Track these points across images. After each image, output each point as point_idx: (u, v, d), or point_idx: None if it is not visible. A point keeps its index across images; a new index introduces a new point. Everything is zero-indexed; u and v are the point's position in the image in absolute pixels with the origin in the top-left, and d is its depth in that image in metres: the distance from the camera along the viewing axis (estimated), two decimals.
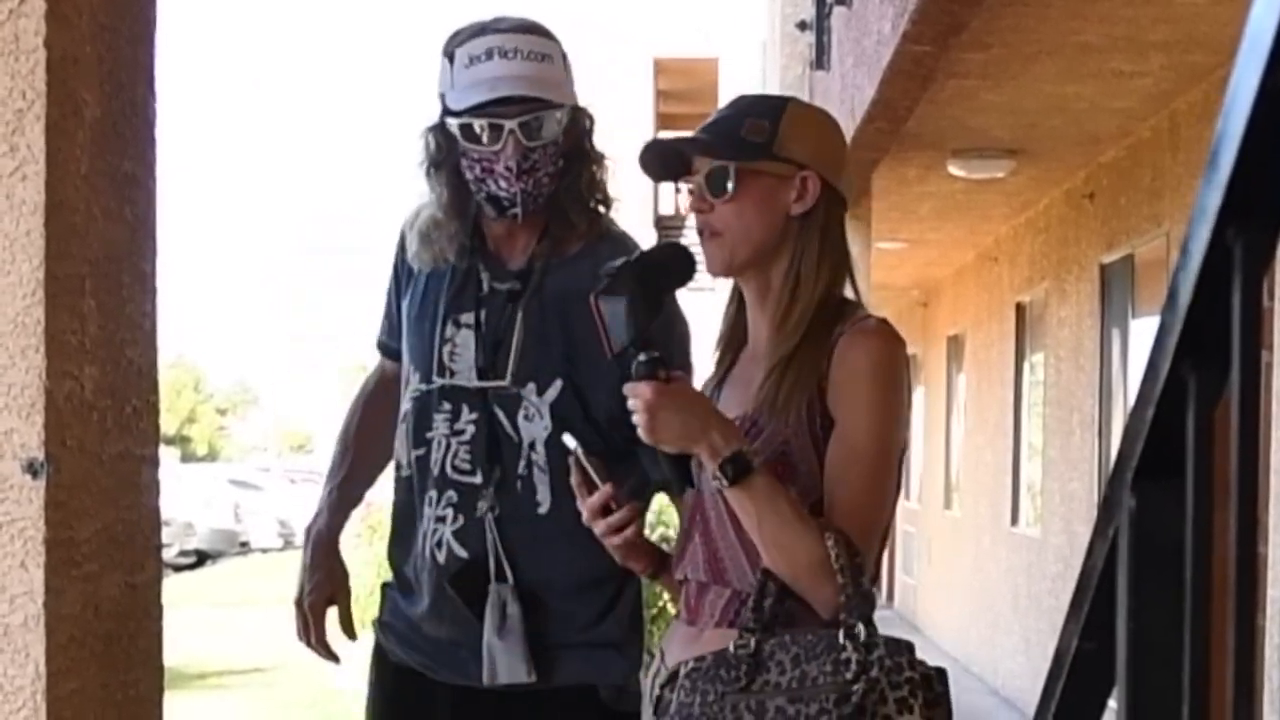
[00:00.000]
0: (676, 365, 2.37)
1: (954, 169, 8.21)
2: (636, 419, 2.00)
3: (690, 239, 2.21)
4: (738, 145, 2.12)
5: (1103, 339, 8.10)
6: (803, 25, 10.63)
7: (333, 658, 2.75)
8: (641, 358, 2.01)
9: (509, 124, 2.47)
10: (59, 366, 1.64)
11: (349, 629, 2.75)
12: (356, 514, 2.92)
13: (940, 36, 5.60)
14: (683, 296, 2.47)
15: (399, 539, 2.68)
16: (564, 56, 2.55)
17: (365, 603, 3.31)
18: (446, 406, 2.57)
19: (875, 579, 2.05)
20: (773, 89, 11.78)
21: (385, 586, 2.76)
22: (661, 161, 2.20)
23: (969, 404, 12.37)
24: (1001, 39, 5.81)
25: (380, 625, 2.71)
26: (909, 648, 1.91)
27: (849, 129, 7.46)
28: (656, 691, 2.11)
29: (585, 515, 2.16)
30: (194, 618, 14.05)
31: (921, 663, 1.92)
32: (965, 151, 7.96)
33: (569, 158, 2.55)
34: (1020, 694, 9.48)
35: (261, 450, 62.01)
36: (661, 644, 2.19)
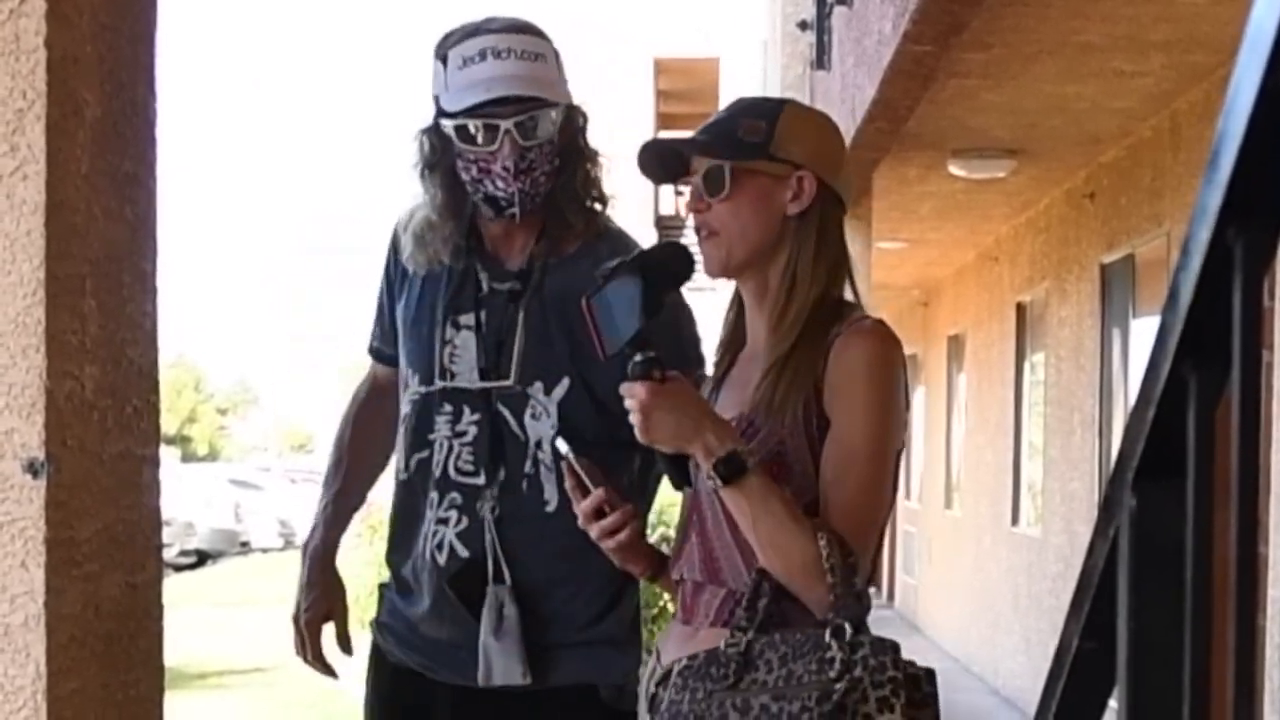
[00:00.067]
0: (690, 364, 2.37)
1: (954, 169, 8.21)
2: (632, 419, 2.01)
3: (690, 239, 2.21)
4: (734, 145, 2.13)
5: (1103, 339, 8.10)
6: (803, 25, 10.63)
7: (330, 673, 2.75)
8: (638, 358, 2.01)
9: (505, 124, 2.47)
10: (59, 366, 1.64)
11: (345, 645, 2.76)
12: (357, 514, 2.92)
13: (941, 36, 5.60)
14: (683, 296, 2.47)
15: (399, 541, 2.68)
16: (556, 55, 2.55)
17: (365, 603, 3.31)
18: (448, 408, 2.57)
19: (871, 579, 2.06)
20: (773, 89, 11.79)
21: (382, 588, 2.76)
22: (660, 163, 2.21)
23: (969, 404, 12.37)
24: (1002, 39, 5.81)
25: (378, 626, 2.71)
26: (894, 647, 1.91)
27: (849, 129, 7.46)
28: (651, 690, 2.12)
29: (580, 519, 2.17)
30: (194, 618, 14.05)
31: (910, 663, 1.93)
32: (966, 151, 7.96)
33: (564, 156, 2.55)
34: (1021, 694, 9.48)
35: (262, 450, 62.00)
36: (658, 643, 2.20)
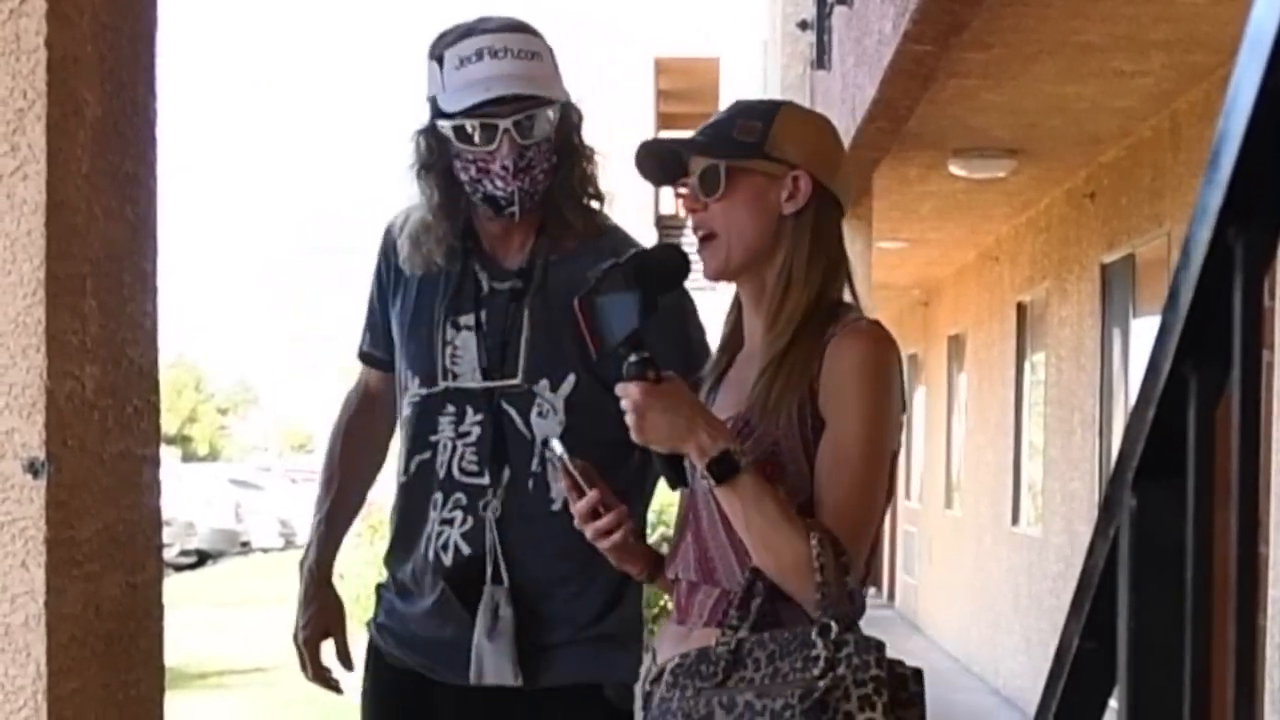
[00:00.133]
0: (699, 364, 2.37)
1: (955, 168, 8.21)
2: (627, 419, 2.02)
3: (690, 240, 2.22)
4: (729, 145, 2.14)
5: (1104, 338, 8.10)
6: (804, 25, 10.63)
7: (334, 689, 2.75)
8: (632, 358, 2.02)
9: (503, 123, 2.47)
10: (60, 366, 1.64)
11: (346, 660, 2.75)
12: (358, 514, 2.92)
13: (941, 36, 5.60)
14: None
15: (400, 543, 2.67)
16: (551, 53, 2.56)
17: (366, 603, 3.31)
18: (451, 409, 2.57)
19: (866, 580, 2.07)
20: (774, 89, 11.79)
21: (380, 588, 2.75)
22: (659, 164, 2.23)
23: (970, 403, 12.37)
24: (1002, 39, 5.81)
25: (377, 627, 2.71)
26: (878, 646, 1.92)
27: (850, 128, 7.46)
28: (646, 688, 2.13)
29: (576, 520, 2.18)
30: (195, 617, 14.05)
31: (899, 662, 1.94)
32: (966, 151, 7.96)
33: (561, 154, 2.56)
34: (1021, 693, 9.48)
35: (262, 450, 62.00)
36: (654, 643, 2.21)
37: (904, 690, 1.93)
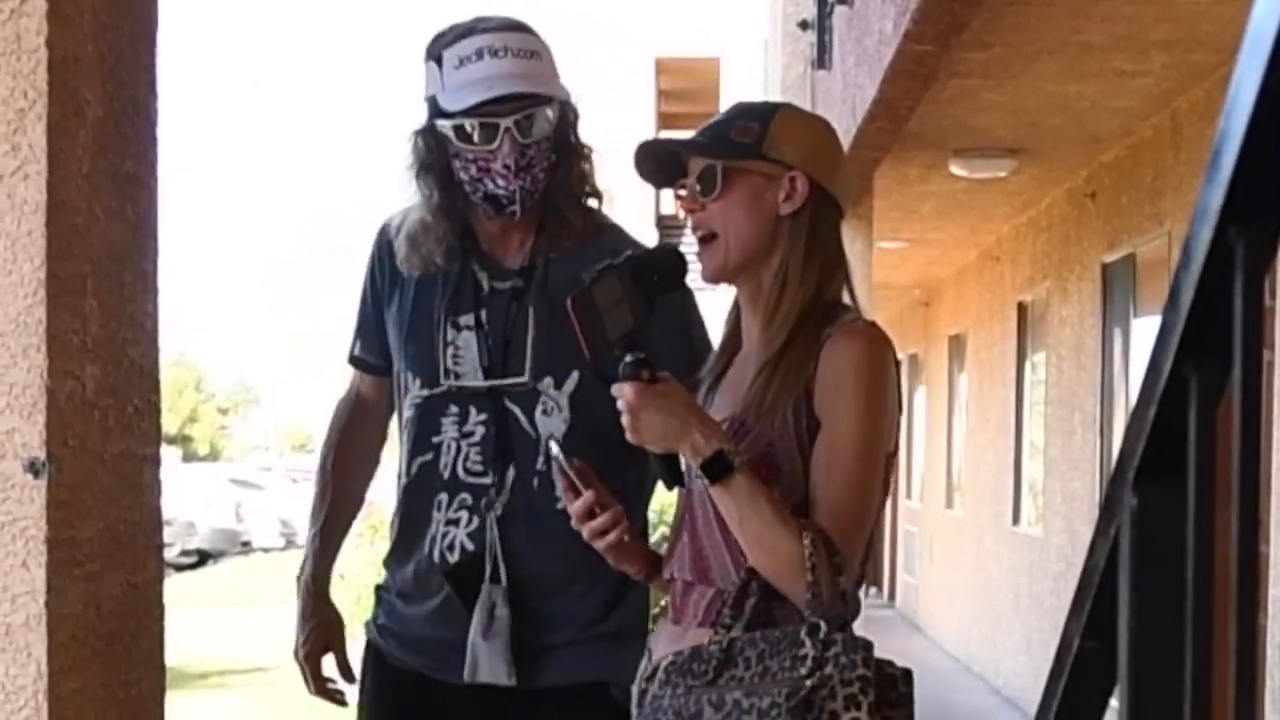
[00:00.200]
0: (701, 364, 2.37)
1: (955, 168, 8.21)
2: (622, 419, 2.03)
3: (690, 240, 2.22)
4: (727, 145, 2.15)
5: (1104, 338, 8.10)
6: (804, 24, 10.62)
7: (339, 702, 2.75)
8: (628, 358, 2.03)
9: (504, 122, 2.47)
10: (61, 366, 1.64)
11: (347, 673, 2.75)
12: (358, 514, 2.92)
13: (942, 36, 5.60)
14: None
15: (402, 544, 2.66)
16: (548, 51, 2.56)
17: (367, 603, 3.31)
18: (454, 409, 2.57)
19: (861, 580, 2.07)
20: (774, 88, 11.79)
21: (380, 590, 2.74)
22: (658, 165, 2.24)
23: (970, 403, 12.36)
24: (1003, 38, 5.81)
25: (378, 629, 2.70)
26: (866, 646, 1.93)
27: (851, 128, 7.46)
28: (641, 686, 2.14)
29: (573, 520, 2.19)
30: (195, 617, 14.05)
31: (888, 662, 1.95)
32: (967, 151, 7.95)
33: (559, 152, 2.56)
34: (1022, 693, 9.48)
35: (263, 449, 62.00)
36: (650, 642, 2.22)
37: (893, 690, 1.94)
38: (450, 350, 2.58)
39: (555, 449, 2.21)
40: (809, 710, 1.87)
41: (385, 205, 2.72)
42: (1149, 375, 1.06)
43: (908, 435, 15.64)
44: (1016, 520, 10.34)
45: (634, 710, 2.16)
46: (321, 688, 2.73)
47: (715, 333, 2.36)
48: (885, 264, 11.54)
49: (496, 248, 2.62)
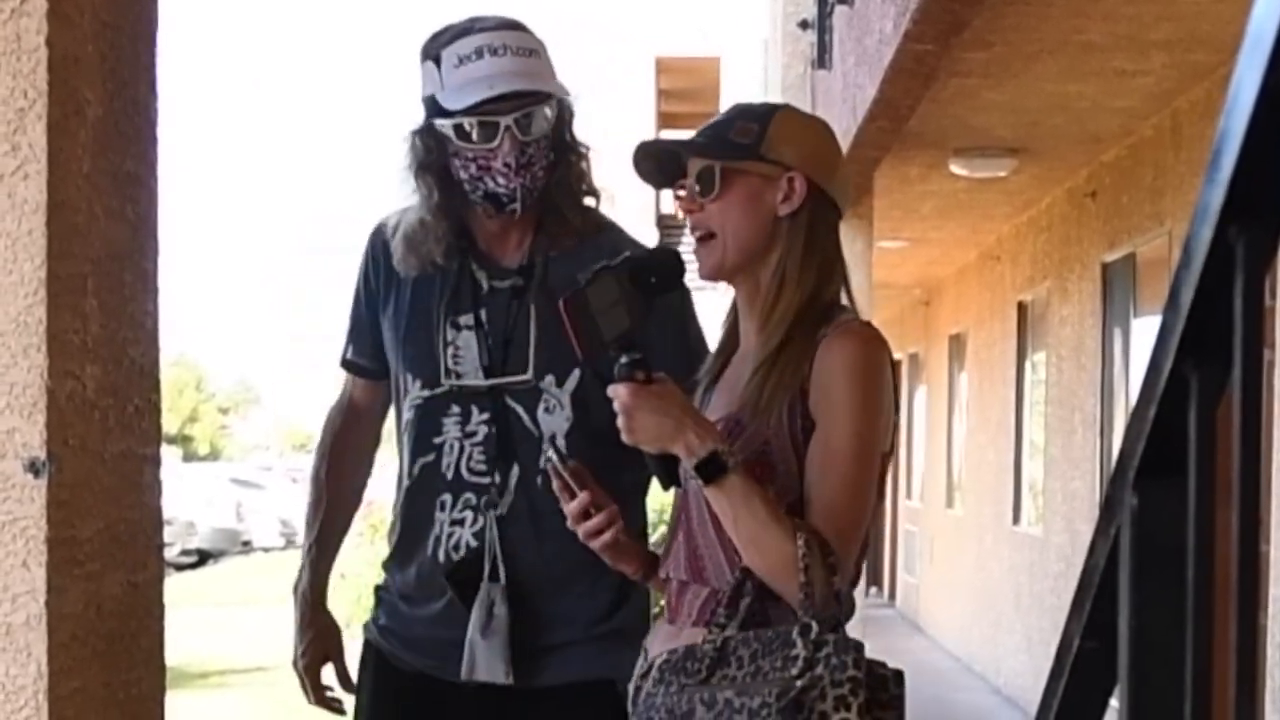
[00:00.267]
0: (699, 364, 2.38)
1: (956, 168, 8.20)
2: (618, 421, 2.04)
3: (690, 240, 2.22)
4: (726, 146, 2.16)
5: (1105, 338, 8.10)
6: (804, 24, 10.62)
7: (339, 711, 2.75)
8: (623, 359, 2.04)
9: (505, 120, 2.47)
10: (61, 365, 1.64)
11: (346, 682, 2.75)
12: (357, 514, 2.92)
13: (942, 35, 5.60)
14: None
15: (405, 545, 2.65)
16: (545, 49, 2.56)
17: (368, 603, 3.31)
18: (456, 409, 2.57)
19: (855, 581, 2.08)
20: (774, 88, 11.78)
21: (380, 591, 2.74)
22: (657, 165, 2.25)
23: (971, 403, 12.36)
24: (1003, 38, 5.81)
25: (379, 630, 2.69)
26: (857, 647, 1.93)
27: (851, 128, 7.46)
28: (637, 684, 2.15)
29: (569, 521, 2.20)
30: (196, 617, 14.05)
31: (879, 664, 1.95)
32: (967, 150, 7.95)
33: (556, 150, 2.56)
34: (1022, 693, 9.48)
35: (263, 449, 62.02)
36: (646, 641, 2.23)
37: (883, 692, 1.94)
38: (450, 350, 2.58)
39: (549, 450, 2.22)
40: (799, 710, 1.88)
41: (384, 205, 2.72)
42: (1149, 375, 1.06)
43: (908, 435, 15.64)
44: (1017, 520, 10.34)
45: (629, 707, 2.17)
46: (321, 698, 2.73)
47: (713, 334, 2.36)
48: (886, 263, 11.54)
49: (494, 247, 2.62)
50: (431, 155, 2.54)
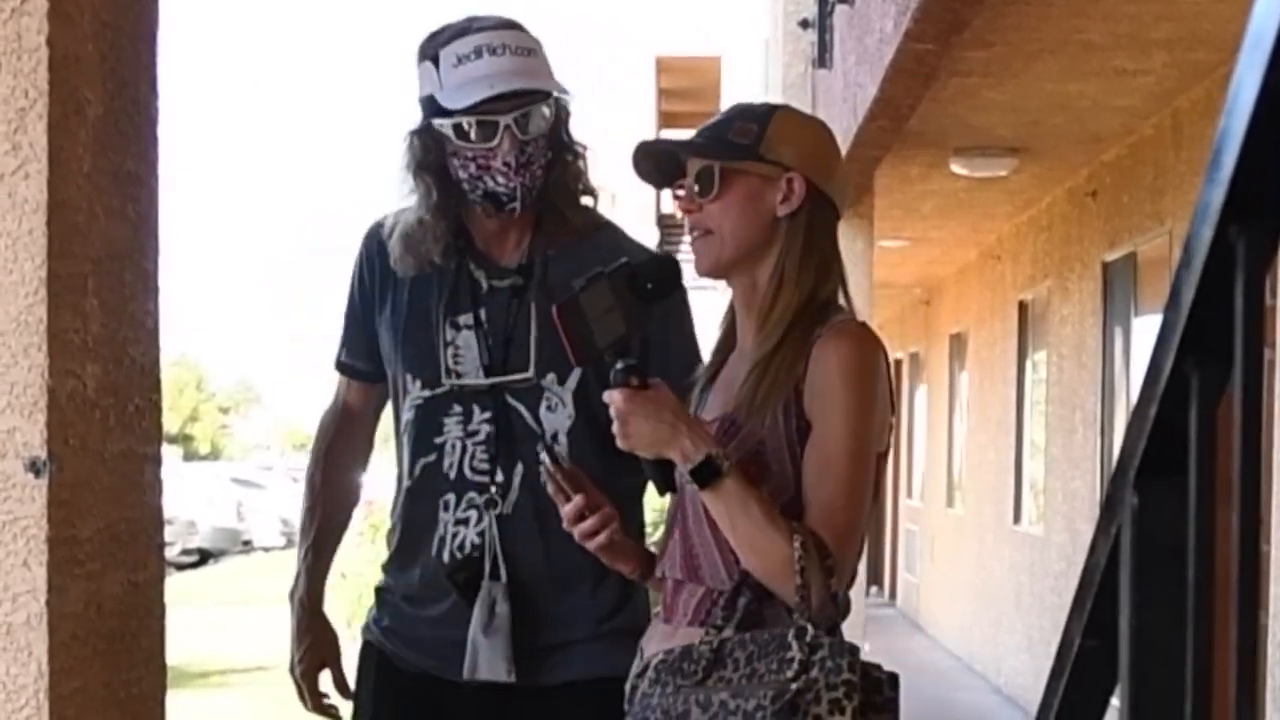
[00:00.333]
0: (697, 365, 2.38)
1: (956, 167, 8.20)
2: (614, 426, 2.05)
3: (689, 239, 2.23)
4: (725, 146, 2.16)
5: (1105, 337, 8.10)
6: (805, 23, 10.61)
7: (335, 717, 2.75)
8: (618, 365, 2.05)
9: (504, 119, 2.48)
10: (61, 365, 1.64)
11: (343, 689, 2.75)
12: (358, 513, 2.91)
13: (942, 35, 5.60)
14: None
15: (406, 547, 2.64)
16: (542, 48, 2.57)
17: (368, 602, 3.31)
18: (457, 409, 2.56)
19: (852, 582, 2.08)
20: (775, 87, 11.78)
21: (381, 591, 2.73)
22: (656, 165, 2.26)
23: (971, 402, 12.36)
24: (1004, 37, 5.81)
25: (382, 631, 2.69)
26: (852, 650, 1.94)
27: (851, 127, 7.46)
28: (633, 683, 2.15)
29: (565, 522, 2.21)
30: (197, 616, 14.04)
31: (875, 666, 1.96)
32: (968, 149, 7.95)
33: (554, 149, 2.56)
34: (1023, 692, 9.48)
35: (264, 449, 62.05)
36: (642, 641, 2.23)
37: (878, 695, 1.95)
38: (450, 350, 2.57)
39: (543, 454, 2.23)
40: (794, 713, 1.89)
41: (384, 205, 2.72)
42: (1150, 374, 1.06)
43: (908, 434, 15.64)
44: (1017, 519, 10.34)
45: (625, 706, 2.17)
46: (318, 705, 2.73)
47: (711, 334, 2.36)
48: (886, 263, 11.54)
49: (492, 246, 2.62)
50: (430, 155, 2.54)
